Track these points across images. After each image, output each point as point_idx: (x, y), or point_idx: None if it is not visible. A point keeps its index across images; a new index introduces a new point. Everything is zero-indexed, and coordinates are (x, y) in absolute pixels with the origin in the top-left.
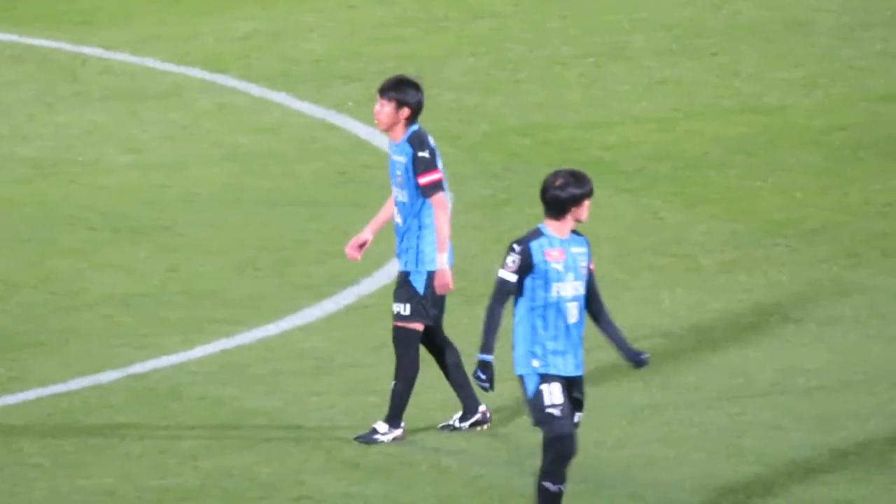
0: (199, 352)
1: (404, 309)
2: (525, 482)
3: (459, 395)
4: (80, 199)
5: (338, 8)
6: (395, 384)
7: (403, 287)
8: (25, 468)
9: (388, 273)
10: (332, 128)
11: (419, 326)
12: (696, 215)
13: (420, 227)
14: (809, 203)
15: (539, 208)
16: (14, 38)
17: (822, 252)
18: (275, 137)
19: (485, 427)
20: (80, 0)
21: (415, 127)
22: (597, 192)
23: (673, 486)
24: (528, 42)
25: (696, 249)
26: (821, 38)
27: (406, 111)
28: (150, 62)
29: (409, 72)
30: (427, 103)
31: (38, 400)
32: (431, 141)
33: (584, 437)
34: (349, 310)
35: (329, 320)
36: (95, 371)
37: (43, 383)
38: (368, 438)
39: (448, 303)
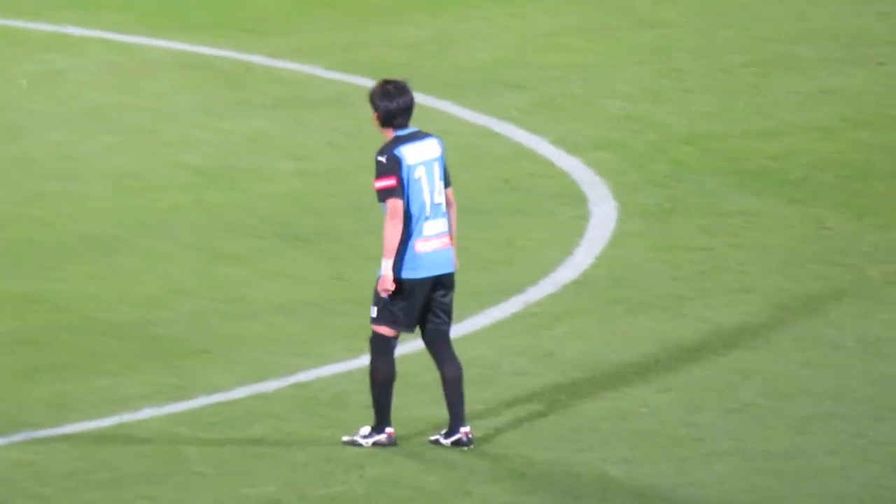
0: (363, 360)
1: (373, 311)
2: (691, 492)
3: (449, 411)
4: (244, 206)
5: (505, 16)
6: (371, 389)
7: (375, 291)
8: (190, 476)
9: (554, 281)
10: (496, 136)
11: (387, 331)
12: (864, 225)
13: None
14: None
15: (706, 218)
16: (179, 45)
17: None
18: None
19: (468, 447)
20: (247, 8)
21: (400, 132)
22: (763, 201)
23: (841, 497)
24: (695, 51)
25: (863, 260)
26: None
27: (375, 116)
28: (315, 70)
29: (575, 81)
30: (593, 112)
31: (203, 408)
32: (402, 151)
33: (751, 448)
34: (515, 318)
35: (495, 328)
36: (260, 379)
37: (207, 391)
38: (352, 440)
39: (611, 312)
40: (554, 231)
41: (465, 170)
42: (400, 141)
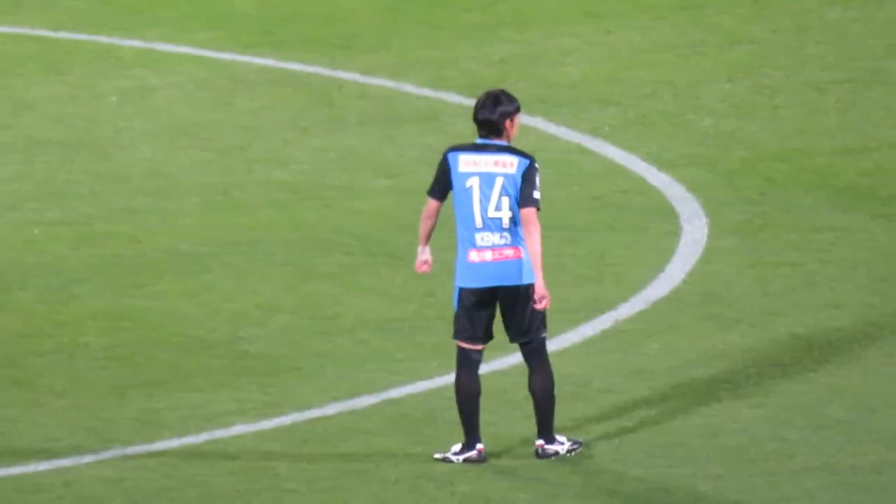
0: (455, 377)
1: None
2: None
3: (537, 422)
4: (336, 223)
5: (595, 32)
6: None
7: None
8: (281, 493)
9: (645, 298)
10: (587, 152)
11: (462, 343)
12: None
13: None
14: None
15: (796, 234)
16: (270, 62)
17: None
18: None
19: (538, 458)
20: (339, 25)
21: (478, 140)
22: (853, 217)
23: None
24: (785, 67)
25: None
26: None
27: None
28: (407, 87)
29: (665, 97)
30: (684, 128)
31: (294, 425)
32: (457, 157)
33: (841, 463)
34: (606, 335)
35: (585, 345)
36: (351, 396)
37: (299, 408)
38: (444, 457)
39: (702, 328)
40: (645, 247)
41: (556, 186)
42: (468, 148)
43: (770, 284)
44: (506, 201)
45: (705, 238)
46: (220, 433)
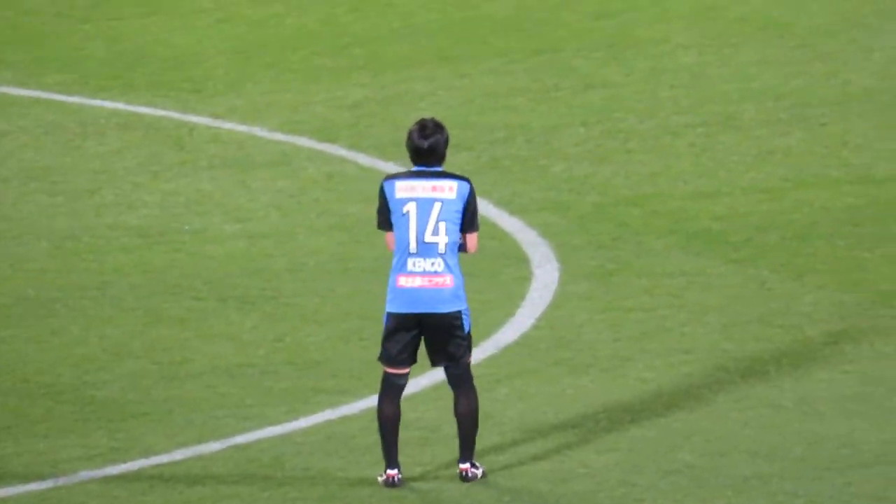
0: (304, 422)
1: None
2: None
3: (461, 445)
4: (185, 268)
5: (449, 76)
6: None
7: None
8: None
9: (496, 343)
10: None
11: (386, 369)
12: (804, 286)
13: None
14: None
15: (648, 279)
16: (121, 105)
17: None
18: None
19: (466, 482)
20: (190, 68)
21: (415, 168)
22: (705, 262)
23: None
24: (638, 112)
25: (802, 320)
26: None
27: None
28: (258, 131)
29: (518, 142)
30: (537, 173)
31: (141, 471)
32: (394, 184)
33: None
34: None
35: (437, 389)
36: (199, 441)
37: (146, 454)
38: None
39: (552, 373)
40: (496, 292)
41: None
42: (403, 175)
43: (621, 329)
44: (443, 226)
45: (556, 283)
46: (65, 480)
